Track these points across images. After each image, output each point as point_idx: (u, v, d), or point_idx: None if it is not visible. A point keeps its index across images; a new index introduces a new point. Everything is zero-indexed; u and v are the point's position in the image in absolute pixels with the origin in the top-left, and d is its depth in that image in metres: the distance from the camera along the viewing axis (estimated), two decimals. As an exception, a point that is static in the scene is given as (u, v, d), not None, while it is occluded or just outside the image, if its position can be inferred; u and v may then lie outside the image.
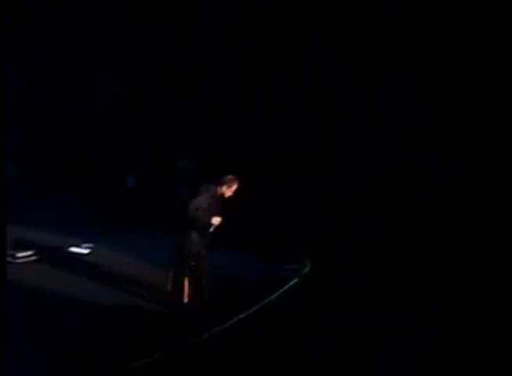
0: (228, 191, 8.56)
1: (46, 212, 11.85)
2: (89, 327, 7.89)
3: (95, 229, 11.25)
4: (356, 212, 10.97)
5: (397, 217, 10.60)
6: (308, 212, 11.18)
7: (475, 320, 7.92)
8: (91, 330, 7.82)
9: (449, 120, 10.87)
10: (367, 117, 11.44)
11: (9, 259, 9.76)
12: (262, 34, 11.92)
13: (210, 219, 8.40)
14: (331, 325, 7.90)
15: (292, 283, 9.63)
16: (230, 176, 8.59)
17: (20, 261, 9.90)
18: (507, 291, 8.73)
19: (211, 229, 8.51)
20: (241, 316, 8.24)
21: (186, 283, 8.65)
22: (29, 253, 10.10)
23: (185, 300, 8.65)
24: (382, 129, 11.27)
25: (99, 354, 7.14)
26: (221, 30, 12.20)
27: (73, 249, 10.49)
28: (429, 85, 10.98)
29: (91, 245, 10.60)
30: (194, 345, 7.49)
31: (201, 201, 8.37)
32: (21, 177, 12.37)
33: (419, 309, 8.22)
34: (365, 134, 11.39)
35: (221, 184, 8.54)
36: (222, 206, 8.59)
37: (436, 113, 10.96)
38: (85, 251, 10.46)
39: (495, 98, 10.62)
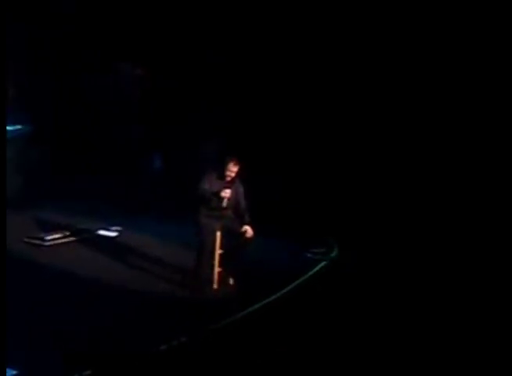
0: (228, 172, 8.60)
1: (73, 196, 11.84)
2: (113, 310, 7.91)
3: (123, 212, 11.27)
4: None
5: (397, 216, 10.61)
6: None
7: (475, 320, 7.89)
8: (115, 313, 7.84)
9: (449, 120, 10.84)
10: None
11: (37, 242, 9.89)
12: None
13: (213, 195, 8.56)
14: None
15: (320, 266, 9.63)
16: (228, 158, 8.66)
17: (48, 244, 9.91)
18: (507, 290, 8.69)
19: (224, 204, 8.61)
20: (264, 302, 8.24)
21: (216, 268, 8.70)
22: (57, 236, 10.11)
23: (215, 285, 8.71)
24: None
25: (120, 338, 7.16)
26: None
27: (102, 232, 10.51)
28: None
29: (119, 228, 10.61)
30: (216, 330, 7.48)
31: (204, 181, 8.61)
32: (44, 160, 12.35)
33: (419, 309, 8.21)
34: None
35: (222, 166, 8.63)
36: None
37: (435, 114, 10.95)
38: (113, 234, 10.48)
39: (495, 98, 10.58)
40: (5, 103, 8.55)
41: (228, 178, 8.64)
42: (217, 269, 8.72)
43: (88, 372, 6.20)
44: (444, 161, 10.82)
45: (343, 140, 11.50)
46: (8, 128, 9.43)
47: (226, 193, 8.56)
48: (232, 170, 8.61)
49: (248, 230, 8.61)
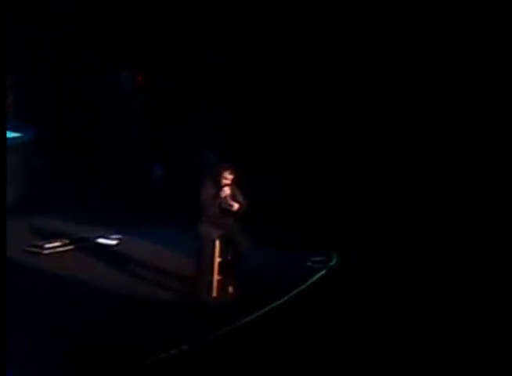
0: (224, 180, 8.64)
1: (73, 203, 11.82)
2: (110, 315, 7.97)
3: (123, 220, 11.24)
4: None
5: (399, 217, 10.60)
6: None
7: (475, 320, 7.86)
8: (113, 321, 7.87)
9: (449, 120, 10.84)
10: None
11: (36, 250, 9.86)
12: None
13: (215, 207, 8.60)
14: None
15: (319, 275, 9.60)
16: (223, 165, 8.76)
17: (48, 252, 9.89)
18: (507, 291, 8.67)
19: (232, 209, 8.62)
20: (264, 310, 8.22)
21: (216, 276, 8.69)
22: (56, 244, 10.08)
23: (214, 293, 8.70)
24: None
25: (120, 347, 7.16)
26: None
27: (101, 240, 10.49)
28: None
29: (119, 236, 10.58)
30: (213, 340, 7.47)
31: (204, 190, 8.68)
32: (45, 169, 12.34)
33: (419, 309, 8.18)
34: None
35: (217, 173, 8.67)
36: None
37: (436, 116, 10.94)
38: (113, 242, 10.45)
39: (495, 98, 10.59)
40: (5, 103, 8.52)
41: (225, 186, 8.67)
42: (216, 277, 8.72)
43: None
44: (445, 168, 10.79)
45: (343, 141, 11.48)
46: (8, 135, 9.39)
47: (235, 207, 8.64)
48: (228, 177, 8.66)
49: (235, 205, 8.63)
